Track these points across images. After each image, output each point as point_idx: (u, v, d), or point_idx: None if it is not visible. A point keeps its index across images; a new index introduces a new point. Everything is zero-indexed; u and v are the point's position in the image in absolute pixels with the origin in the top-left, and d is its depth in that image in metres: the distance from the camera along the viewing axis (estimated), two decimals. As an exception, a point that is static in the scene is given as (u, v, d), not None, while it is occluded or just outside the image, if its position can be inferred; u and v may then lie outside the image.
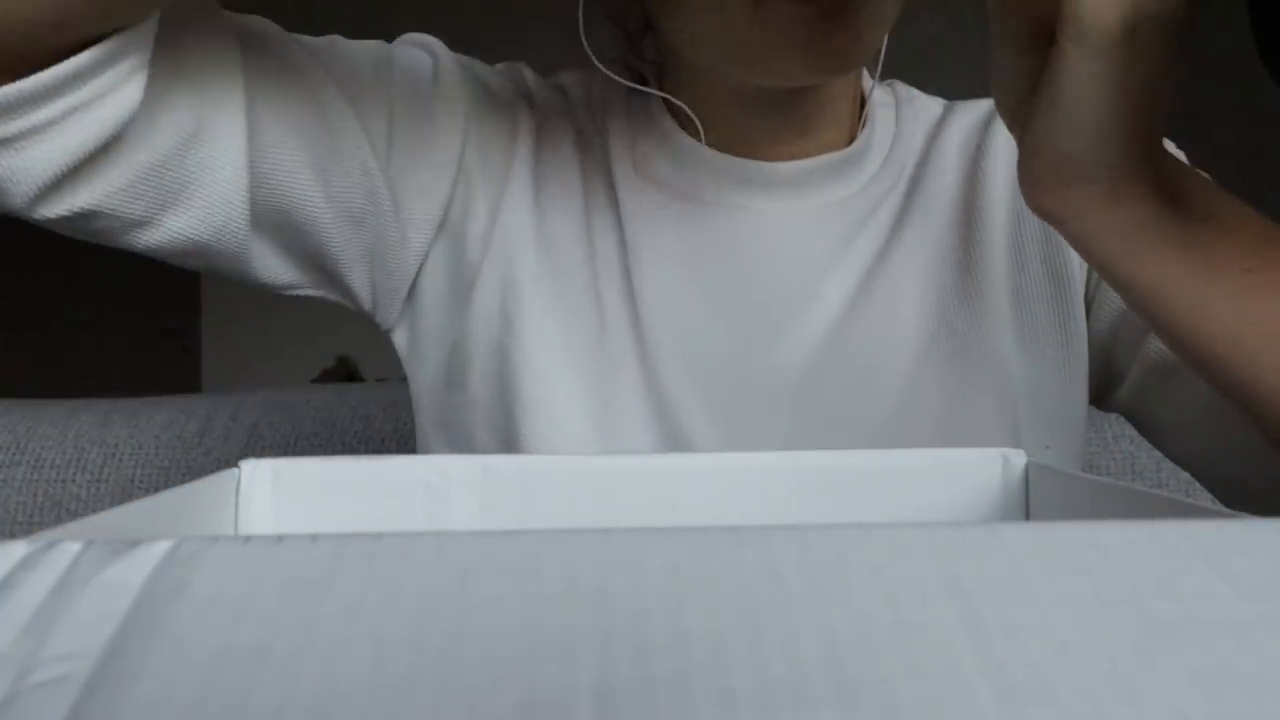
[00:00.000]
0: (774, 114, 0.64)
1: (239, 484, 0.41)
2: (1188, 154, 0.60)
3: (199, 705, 0.17)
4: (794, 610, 0.19)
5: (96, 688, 0.18)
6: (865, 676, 0.18)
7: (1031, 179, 0.44)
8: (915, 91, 0.72)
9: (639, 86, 0.66)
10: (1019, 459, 0.42)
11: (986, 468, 0.42)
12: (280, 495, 0.41)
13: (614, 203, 0.65)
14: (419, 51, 0.66)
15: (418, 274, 0.66)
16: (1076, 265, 0.64)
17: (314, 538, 0.21)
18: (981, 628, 0.19)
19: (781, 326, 0.62)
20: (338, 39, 0.63)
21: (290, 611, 0.19)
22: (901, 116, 0.69)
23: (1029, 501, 0.41)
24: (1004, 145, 0.67)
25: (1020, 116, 0.43)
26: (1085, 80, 0.39)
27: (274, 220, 0.59)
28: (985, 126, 0.68)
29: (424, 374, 0.67)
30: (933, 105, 0.71)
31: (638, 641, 0.18)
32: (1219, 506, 0.45)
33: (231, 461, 0.55)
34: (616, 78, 0.66)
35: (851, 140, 0.67)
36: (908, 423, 0.60)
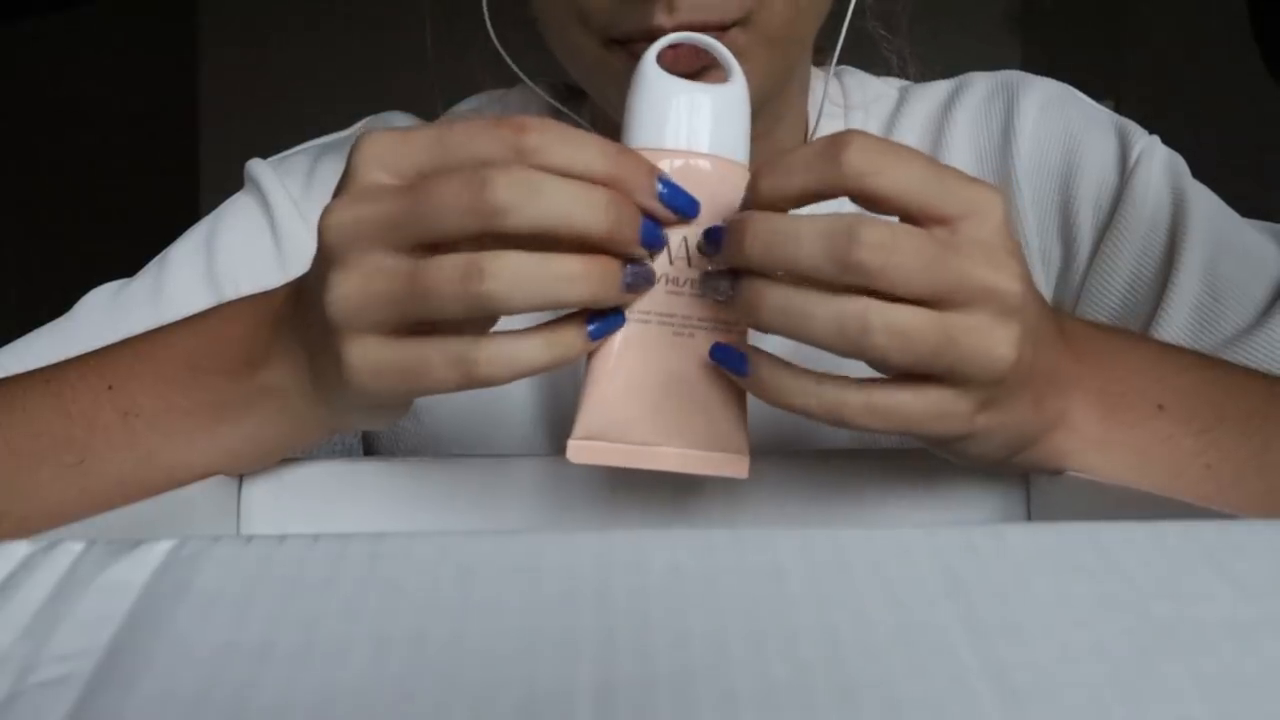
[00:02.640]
0: None
1: (241, 484, 0.41)
2: (1189, 154, 0.59)
3: (201, 703, 0.17)
4: (795, 611, 0.19)
5: (99, 686, 0.18)
6: (866, 677, 0.18)
7: (990, 468, 0.42)
8: (867, 79, 0.66)
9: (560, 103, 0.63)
10: (1019, 459, 0.42)
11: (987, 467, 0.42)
12: (282, 495, 0.41)
13: None
14: (245, 219, 0.60)
15: None
16: (1037, 256, 0.62)
17: (316, 538, 0.21)
18: (982, 628, 0.19)
19: None
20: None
21: (292, 611, 0.19)
22: (851, 122, 0.65)
23: (1029, 501, 0.41)
24: (964, 129, 0.62)
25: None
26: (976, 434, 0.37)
27: None
28: (943, 112, 0.63)
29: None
30: (887, 93, 0.67)
31: (639, 641, 0.18)
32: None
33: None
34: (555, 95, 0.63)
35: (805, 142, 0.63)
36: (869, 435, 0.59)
